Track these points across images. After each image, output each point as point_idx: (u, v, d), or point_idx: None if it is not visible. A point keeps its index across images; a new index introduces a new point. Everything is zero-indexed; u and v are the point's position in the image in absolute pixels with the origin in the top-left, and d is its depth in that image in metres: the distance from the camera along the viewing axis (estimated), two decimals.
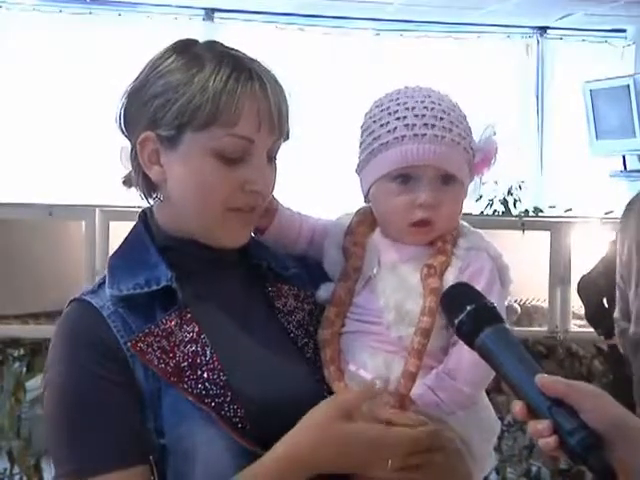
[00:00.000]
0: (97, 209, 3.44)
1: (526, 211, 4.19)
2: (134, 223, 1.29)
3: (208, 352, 1.17)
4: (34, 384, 3.32)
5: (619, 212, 3.38)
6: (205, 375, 1.16)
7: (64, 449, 1.16)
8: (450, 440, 1.19)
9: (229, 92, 1.17)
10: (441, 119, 1.24)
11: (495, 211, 4.25)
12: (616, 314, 3.25)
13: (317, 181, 5.25)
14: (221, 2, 5.32)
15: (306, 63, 5.35)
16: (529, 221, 3.90)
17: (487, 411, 1.30)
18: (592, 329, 3.60)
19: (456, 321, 1.05)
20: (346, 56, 5.54)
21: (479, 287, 1.14)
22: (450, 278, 1.22)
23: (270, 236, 1.32)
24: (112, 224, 3.37)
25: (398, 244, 1.29)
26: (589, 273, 3.56)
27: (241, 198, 1.21)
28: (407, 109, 1.25)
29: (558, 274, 3.72)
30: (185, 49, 1.22)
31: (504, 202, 4.25)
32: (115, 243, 1.30)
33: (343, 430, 1.11)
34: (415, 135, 1.23)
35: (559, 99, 5.71)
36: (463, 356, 1.18)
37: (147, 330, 1.17)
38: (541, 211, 4.33)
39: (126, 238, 1.28)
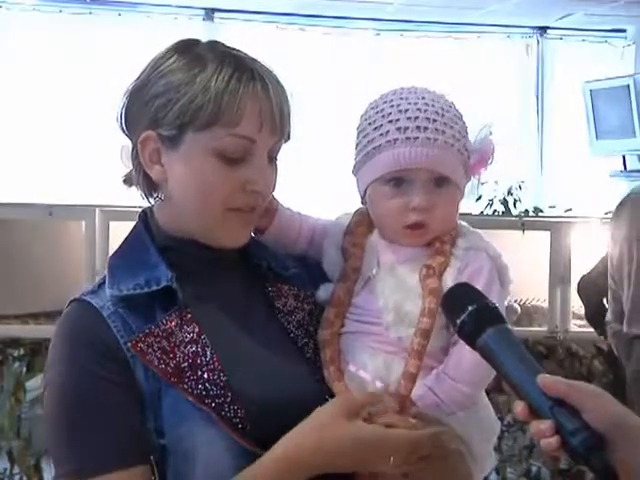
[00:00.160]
0: (97, 209, 3.44)
1: (526, 211, 4.19)
2: (134, 223, 1.29)
3: (208, 352, 1.17)
4: (34, 384, 3.32)
5: None
6: (205, 375, 1.16)
7: (64, 449, 1.16)
8: (450, 441, 1.19)
9: (231, 92, 1.17)
10: (434, 121, 1.24)
11: (495, 211, 4.24)
12: (608, 316, 3.25)
13: (317, 181, 5.24)
14: (221, 2, 5.32)
15: (306, 63, 5.35)
16: (529, 221, 3.90)
17: (487, 411, 1.30)
18: (592, 329, 3.59)
19: (458, 321, 1.05)
20: (346, 56, 5.54)
21: (478, 287, 1.14)
22: (449, 279, 1.22)
23: (270, 236, 1.32)
24: (112, 224, 3.36)
25: (396, 245, 1.29)
26: (589, 273, 3.56)
27: (241, 198, 1.21)
28: (400, 112, 1.25)
29: (558, 274, 3.71)
30: (187, 49, 1.22)
31: (504, 202, 4.25)
32: (115, 243, 1.29)
33: (344, 431, 1.11)
34: (407, 138, 1.23)
35: (559, 99, 5.71)
36: (463, 356, 1.18)
37: (147, 330, 1.17)
38: (541, 211, 4.33)
39: (126, 238, 1.28)
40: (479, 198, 3.91)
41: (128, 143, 1.25)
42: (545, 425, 0.94)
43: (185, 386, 1.15)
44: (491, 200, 4.24)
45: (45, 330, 2.96)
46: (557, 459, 3.44)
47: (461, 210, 1.31)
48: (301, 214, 1.36)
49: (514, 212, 4.18)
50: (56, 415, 1.17)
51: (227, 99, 1.16)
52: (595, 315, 3.55)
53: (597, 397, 0.97)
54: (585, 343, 3.78)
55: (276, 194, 1.29)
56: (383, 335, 1.24)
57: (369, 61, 5.54)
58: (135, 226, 1.28)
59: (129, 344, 1.16)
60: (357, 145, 1.30)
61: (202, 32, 5.17)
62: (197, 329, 1.18)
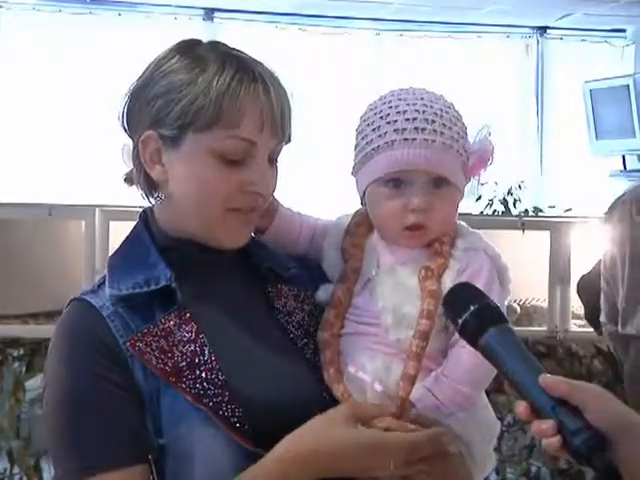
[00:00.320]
0: (97, 209, 3.43)
1: (526, 211, 4.19)
2: (134, 223, 1.29)
3: (206, 352, 1.17)
4: (34, 384, 3.31)
5: None
6: (203, 375, 1.16)
7: (63, 448, 1.16)
8: (450, 443, 1.19)
9: (232, 93, 1.16)
10: (432, 122, 1.24)
11: (495, 211, 4.25)
12: (602, 318, 3.25)
13: (317, 181, 5.25)
14: (221, 2, 5.32)
15: (306, 63, 5.36)
16: (529, 221, 3.90)
17: (487, 412, 1.30)
18: (592, 329, 3.59)
19: (460, 320, 1.04)
20: (346, 56, 5.54)
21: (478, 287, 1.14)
22: (448, 280, 1.22)
23: (270, 236, 1.32)
24: (112, 224, 3.36)
25: (396, 246, 1.29)
26: (589, 273, 3.55)
27: (241, 199, 1.21)
28: (398, 113, 1.25)
29: (558, 274, 3.71)
30: (189, 49, 1.22)
31: (504, 202, 4.25)
32: (115, 243, 1.30)
33: (344, 435, 1.11)
34: (405, 140, 1.23)
35: (559, 99, 5.72)
36: (462, 358, 1.18)
37: (146, 330, 1.17)
38: (541, 211, 4.34)
39: (126, 238, 1.28)
40: (479, 198, 3.93)
41: (129, 142, 1.25)
42: (547, 425, 0.94)
43: (183, 385, 1.15)
44: (491, 200, 4.25)
45: (45, 330, 2.96)
46: (557, 459, 3.44)
47: (461, 210, 1.31)
48: (301, 214, 1.36)
49: (514, 212, 4.19)
50: (56, 415, 1.17)
51: (228, 100, 1.16)
52: (595, 315, 3.54)
53: (599, 397, 0.97)
54: (585, 343, 3.78)
55: (276, 194, 1.29)
56: (382, 337, 1.24)
57: (369, 61, 5.54)
58: (135, 226, 1.29)
59: (128, 343, 1.16)
60: (356, 146, 1.30)
61: (202, 32, 5.18)
62: (196, 328, 1.18)
